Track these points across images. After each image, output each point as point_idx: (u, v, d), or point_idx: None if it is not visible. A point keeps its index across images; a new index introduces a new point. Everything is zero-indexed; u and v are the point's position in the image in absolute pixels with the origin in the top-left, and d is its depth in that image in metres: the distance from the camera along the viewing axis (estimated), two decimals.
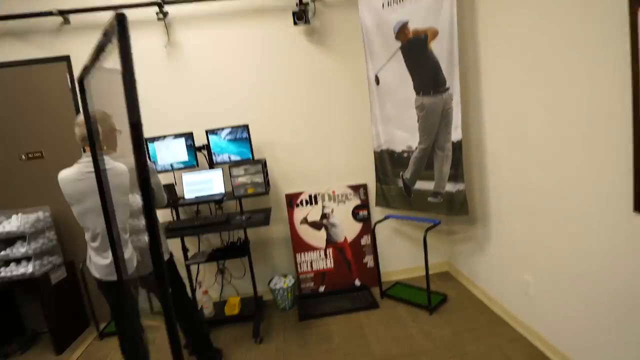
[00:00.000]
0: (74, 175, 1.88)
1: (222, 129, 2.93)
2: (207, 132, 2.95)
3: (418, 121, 2.86)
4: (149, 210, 0.78)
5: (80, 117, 1.86)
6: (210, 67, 3.12)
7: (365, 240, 3.30)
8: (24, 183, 3.25)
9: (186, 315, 2.25)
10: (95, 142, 1.49)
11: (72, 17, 3.04)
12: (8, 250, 2.87)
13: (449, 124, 2.64)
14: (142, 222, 1.98)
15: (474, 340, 2.34)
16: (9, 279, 2.83)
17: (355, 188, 3.29)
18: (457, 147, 2.61)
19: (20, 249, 2.85)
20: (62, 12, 2.94)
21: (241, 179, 2.86)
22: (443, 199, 2.78)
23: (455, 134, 2.60)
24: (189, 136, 2.98)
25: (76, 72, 3.11)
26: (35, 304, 3.14)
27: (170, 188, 2.98)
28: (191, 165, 3.00)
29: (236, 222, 2.68)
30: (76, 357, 2.77)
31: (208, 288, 3.24)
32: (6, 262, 2.91)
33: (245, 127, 2.92)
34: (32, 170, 3.20)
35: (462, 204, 2.66)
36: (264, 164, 2.93)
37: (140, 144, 0.80)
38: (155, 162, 2.94)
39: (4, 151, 3.19)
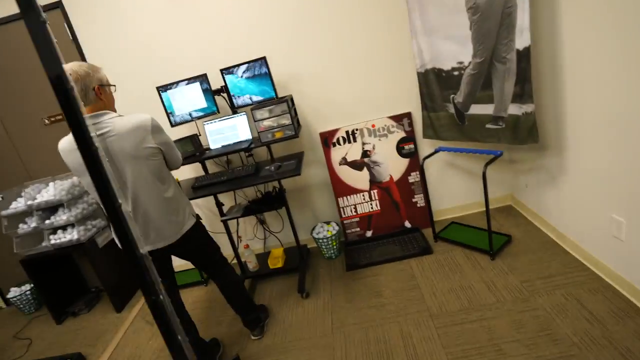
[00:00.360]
0: (73, 144, 1.67)
1: (238, 66, 2.55)
2: (221, 71, 2.58)
3: (471, 28, 2.26)
4: (104, 191, 0.60)
5: (69, 72, 1.58)
6: None
7: (414, 177, 2.93)
8: (52, 148, 3.18)
9: (221, 277, 2.14)
10: (73, 104, 1.23)
11: None
12: (52, 219, 2.90)
13: (512, 28, 2.04)
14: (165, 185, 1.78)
15: (546, 291, 2.02)
16: (59, 245, 2.89)
17: (398, 119, 2.84)
18: (524, 57, 2.03)
19: (62, 217, 2.86)
20: None
21: (266, 122, 2.53)
22: (505, 124, 2.28)
23: (521, 40, 2.01)
24: (202, 79, 2.64)
25: (74, 19, 2.79)
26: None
27: (193, 139, 2.75)
28: (211, 112, 2.70)
29: (265, 174, 2.42)
30: (134, 315, 2.88)
31: (249, 241, 3.14)
32: (54, 230, 2.96)
33: (263, 61, 2.50)
34: (57, 133, 3.09)
35: (530, 129, 2.15)
36: (290, 102, 2.56)
37: (68, 103, 0.58)
38: (172, 113, 2.68)
39: (26, 117, 3.09)
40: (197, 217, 1.98)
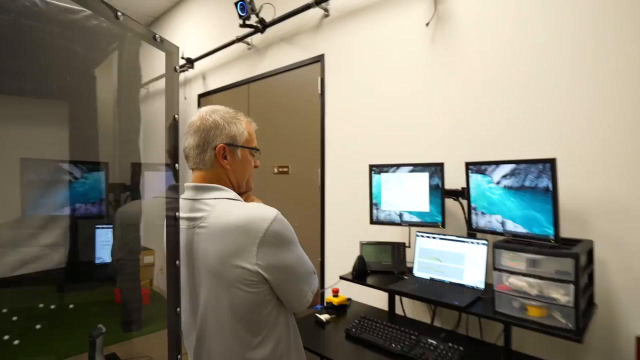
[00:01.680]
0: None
1: (497, 164, 1.46)
2: (467, 165, 1.56)
3: None
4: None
5: (194, 119, 1.03)
6: (497, 50, 1.67)
7: None
8: (275, 196, 3.01)
9: None
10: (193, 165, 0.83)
11: (332, 6, 2.41)
12: None
13: None
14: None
15: None
16: None
17: None
18: None
19: None
20: (318, 2, 2.35)
21: (516, 281, 1.30)
22: None
23: None
24: (435, 170, 1.70)
25: (329, 72, 2.47)
26: None
27: (397, 251, 1.84)
28: (433, 222, 1.71)
29: None
30: None
31: None
32: None
33: (546, 166, 1.31)
34: (281, 182, 2.89)
35: None
36: (586, 257, 1.24)
37: None
38: (376, 205, 1.86)
39: (264, 164, 3.05)
40: None
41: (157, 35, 0.84)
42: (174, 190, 0.96)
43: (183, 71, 3.76)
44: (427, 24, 1.90)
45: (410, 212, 1.77)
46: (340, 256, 2.40)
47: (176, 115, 0.93)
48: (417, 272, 1.72)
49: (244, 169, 1.05)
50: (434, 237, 1.70)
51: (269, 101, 2.99)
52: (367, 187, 1.91)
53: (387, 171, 1.83)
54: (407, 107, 2.01)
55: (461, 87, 1.79)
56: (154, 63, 3.82)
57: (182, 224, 0.97)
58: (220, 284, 0.90)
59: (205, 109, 1.03)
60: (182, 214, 0.96)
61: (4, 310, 3.09)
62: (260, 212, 0.91)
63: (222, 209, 0.93)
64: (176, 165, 0.95)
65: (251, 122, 1.10)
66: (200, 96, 3.73)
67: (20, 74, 3.69)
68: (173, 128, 0.94)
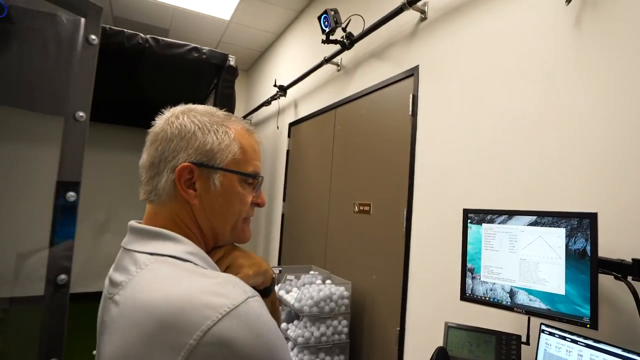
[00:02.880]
0: None
1: None
2: None
3: None
4: None
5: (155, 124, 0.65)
6: None
7: None
8: (349, 247, 2.52)
9: None
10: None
11: (430, 6, 1.93)
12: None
13: None
14: None
15: None
16: None
17: None
18: None
19: None
20: (411, 3, 1.89)
21: None
22: None
23: None
24: (581, 225, 1.01)
25: (423, 86, 1.97)
26: None
27: (508, 344, 1.16)
28: (572, 315, 1.00)
29: None
30: None
31: None
32: None
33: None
34: (358, 227, 2.40)
35: None
36: None
37: None
38: (472, 272, 1.21)
39: (341, 201, 2.61)
40: None
41: None
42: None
43: (275, 99, 3.65)
44: (568, 1, 1.26)
45: (530, 292, 1.09)
46: (428, 328, 1.75)
47: (81, 113, 0.57)
48: None
49: (228, 206, 0.63)
50: (575, 342, 0.98)
51: (353, 127, 2.58)
52: (460, 244, 1.29)
53: (492, 221, 1.19)
54: (533, 128, 1.35)
55: (630, 93, 1.09)
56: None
57: (105, 289, 0.60)
58: None
59: (175, 109, 0.65)
60: (111, 271, 0.61)
61: None
62: (209, 294, 0.47)
63: (146, 278, 0.53)
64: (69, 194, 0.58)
65: (252, 131, 0.68)
66: (291, 124, 3.54)
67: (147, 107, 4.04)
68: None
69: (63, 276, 0.52)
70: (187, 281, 0.50)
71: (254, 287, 0.55)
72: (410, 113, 2.00)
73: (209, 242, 0.64)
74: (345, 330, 2.13)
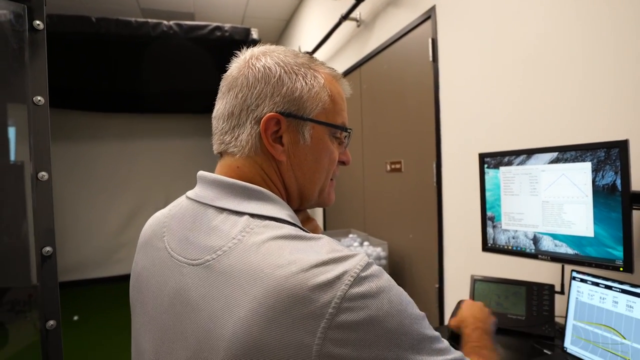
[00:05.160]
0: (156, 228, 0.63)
1: None
2: None
3: None
4: None
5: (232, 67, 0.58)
6: None
7: None
8: (385, 208, 2.46)
9: None
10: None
11: None
12: None
13: None
14: None
15: None
16: None
17: None
18: None
19: None
20: None
21: None
22: None
23: None
24: (609, 157, 0.87)
25: (442, 28, 1.82)
26: None
27: (540, 295, 1.08)
28: (603, 258, 0.89)
29: None
30: None
31: None
32: None
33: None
34: (392, 187, 2.33)
35: None
36: None
37: None
38: (493, 220, 1.12)
39: (374, 162, 2.53)
40: None
41: None
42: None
43: None
44: None
45: (555, 236, 0.98)
46: (468, 282, 1.68)
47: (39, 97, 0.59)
48: (570, 346, 0.93)
49: (317, 163, 0.56)
50: (608, 287, 0.88)
51: (378, 84, 2.46)
52: (479, 191, 1.19)
53: (510, 163, 1.08)
54: (556, 57, 1.18)
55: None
56: None
57: (172, 250, 0.52)
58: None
59: (253, 50, 0.57)
60: (185, 231, 0.52)
61: None
62: (334, 259, 0.43)
63: (259, 246, 0.45)
64: (41, 174, 0.61)
65: (339, 77, 0.59)
66: None
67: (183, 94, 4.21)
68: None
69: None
70: (307, 248, 0.45)
71: None
72: (430, 59, 1.85)
73: (294, 204, 0.57)
74: None
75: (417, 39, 1.98)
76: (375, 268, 0.45)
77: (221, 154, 0.56)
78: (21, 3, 0.59)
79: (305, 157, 0.54)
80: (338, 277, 0.41)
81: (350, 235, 2.50)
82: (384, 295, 0.43)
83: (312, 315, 0.40)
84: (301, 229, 0.50)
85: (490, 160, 1.12)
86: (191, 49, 3.16)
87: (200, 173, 0.55)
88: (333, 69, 0.59)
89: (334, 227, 3.24)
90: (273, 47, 0.57)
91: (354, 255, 0.44)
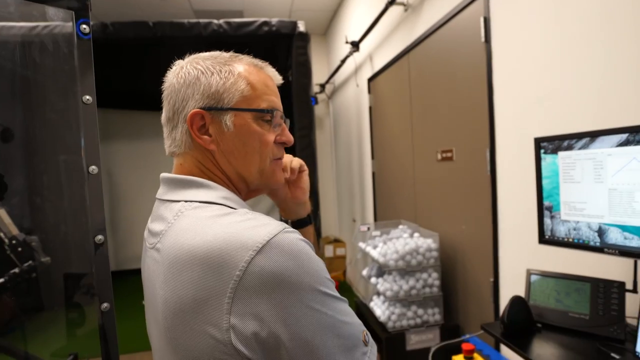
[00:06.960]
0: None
1: None
2: None
3: None
4: None
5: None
6: None
7: None
8: (435, 197, 2.37)
9: None
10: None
11: None
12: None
13: None
14: None
15: None
16: None
17: None
18: None
19: None
20: None
21: None
22: None
23: None
24: None
25: (495, 5, 1.73)
26: None
27: (607, 292, 0.98)
28: None
29: None
30: None
31: None
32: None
33: None
34: (442, 176, 2.24)
35: None
36: None
37: None
38: (551, 210, 1.02)
39: (424, 151, 2.44)
40: None
41: None
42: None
43: (350, 56, 3.54)
44: None
45: (625, 228, 0.88)
46: (522, 276, 1.57)
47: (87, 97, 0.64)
48: None
49: (246, 146, 0.61)
50: None
51: (427, 70, 2.35)
52: (535, 183, 1.09)
53: (570, 147, 0.98)
54: (631, 31, 1.04)
55: None
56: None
57: (146, 241, 0.65)
58: (175, 358, 0.52)
59: (181, 61, 0.64)
60: (149, 223, 0.65)
61: None
62: (245, 232, 0.50)
63: (184, 225, 0.54)
64: (91, 168, 0.66)
65: (261, 66, 0.65)
66: (370, 80, 3.40)
67: None
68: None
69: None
70: (223, 223, 0.52)
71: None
72: (483, 40, 1.74)
73: (240, 187, 0.64)
74: (437, 283, 2.05)
75: (468, 19, 1.86)
76: (286, 240, 0.50)
77: (171, 150, 0.64)
78: (68, 10, 0.64)
79: (233, 143, 0.61)
80: (245, 245, 0.48)
81: (400, 226, 2.44)
82: (289, 265, 0.49)
83: (226, 274, 0.47)
84: (233, 208, 0.57)
85: (547, 145, 1.02)
86: (242, 45, 3.24)
87: (161, 175, 0.65)
88: (257, 59, 0.65)
89: (384, 218, 3.19)
90: (200, 54, 0.63)
91: (270, 226, 0.51)
